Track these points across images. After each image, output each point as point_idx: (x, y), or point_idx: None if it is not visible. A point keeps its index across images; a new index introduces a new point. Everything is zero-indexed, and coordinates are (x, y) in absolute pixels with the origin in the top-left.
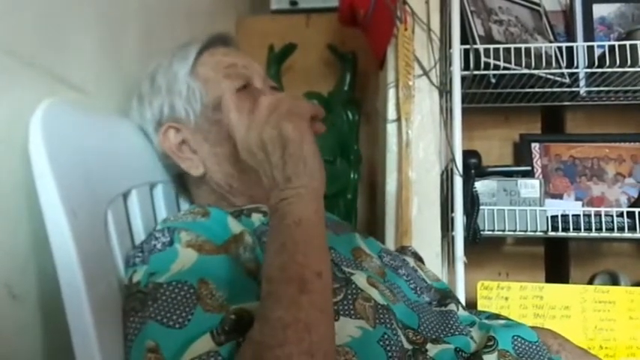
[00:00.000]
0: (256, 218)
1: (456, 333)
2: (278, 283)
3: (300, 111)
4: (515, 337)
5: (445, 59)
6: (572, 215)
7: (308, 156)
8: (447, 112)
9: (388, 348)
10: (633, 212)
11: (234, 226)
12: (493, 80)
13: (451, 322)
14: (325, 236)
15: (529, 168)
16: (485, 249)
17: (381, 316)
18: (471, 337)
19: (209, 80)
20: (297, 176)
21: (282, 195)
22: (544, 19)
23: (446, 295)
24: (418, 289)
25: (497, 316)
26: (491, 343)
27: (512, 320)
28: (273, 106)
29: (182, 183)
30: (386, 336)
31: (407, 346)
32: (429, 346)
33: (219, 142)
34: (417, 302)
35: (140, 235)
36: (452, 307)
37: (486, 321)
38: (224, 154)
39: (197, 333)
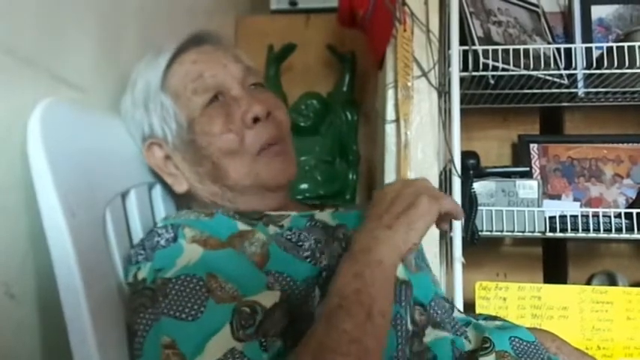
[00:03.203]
0: (272, 230)
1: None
2: (352, 303)
3: (440, 199)
4: (513, 338)
5: (444, 60)
6: (570, 216)
7: (419, 228)
8: (445, 113)
9: (399, 327)
10: (631, 213)
11: (243, 226)
12: (492, 81)
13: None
14: (393, 286)
15: (527, 169)
16: (484, 249)
17: (399, 292)
18: (466, 337)
19: (179, 97)
20: (398, 229)
21: (376, 232)
22: (543, 20)
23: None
24: None
25: (494, 318)
26: (487, 345)
27: (508, 322)
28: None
29: (174, 193)
30: (399, 315)
31: (409, 327)
32: (428, 330)
33: (198, 162)
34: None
35: (138, 235)
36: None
37: (482, 322)
38: (205, 172)
39: (212, 324)
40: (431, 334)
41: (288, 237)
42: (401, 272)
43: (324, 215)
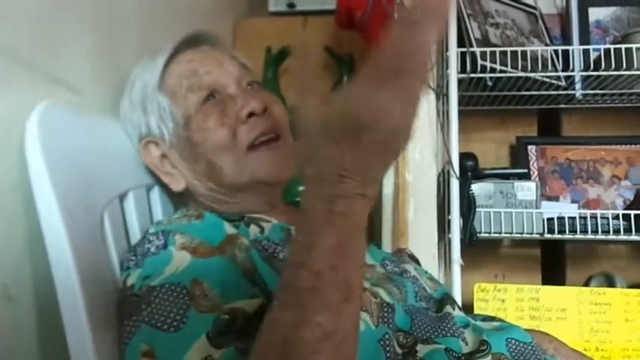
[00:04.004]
0: (253, 231)
1: (448, 335)
2: (327, 284)
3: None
4: (509, 340)
5: (442, 62)
6: (568, 217)
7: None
8: (443, 115)
9: (388, 349)
10: (629, 215)
11: (230, 229)
12: (490, 83)
13: (443, 324)
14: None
15: (525, 170)
16: (482, 251)
17: (385, 315)
18: (463, 339)
19: (175, 95)
20: (375, 172)
21: (353, 189)
22: (540, 22)
23: (443, 301)
24: (419, 296)
25: (492, 319)
26: (484, 347)
27: (506, 322)
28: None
29: (171, 193)
30: (387, 336)
31: (397, 350)
32: (419, 347)
33: (195, 159)
34: (412, 306)
35: (136, 238)
36: (448, 309)
37: (480, 323)
38: (201, 170)
39: (192, 336)
40: (423, 349)
41: (265, 246)
42: (386, 297)
43: None
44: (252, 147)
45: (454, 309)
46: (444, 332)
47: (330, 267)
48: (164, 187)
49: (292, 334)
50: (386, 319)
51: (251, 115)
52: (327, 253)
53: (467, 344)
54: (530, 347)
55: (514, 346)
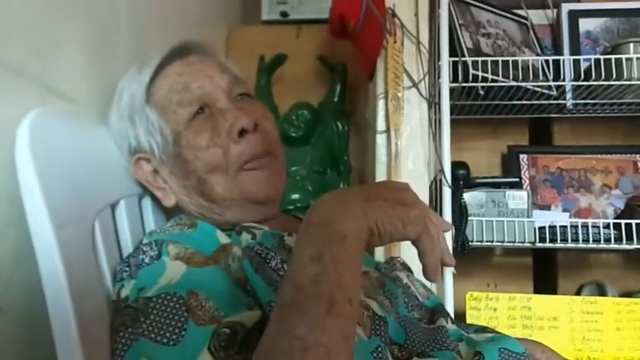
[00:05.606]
0: (245, 238)
1: (442, 348)
2: (306, 296)
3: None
4: (502, 350)
5: (434, 71)
6: (560, 226)
7: (401, 226)
8: (435, 124)
9: None
10: (619, 224)
11: (223, 238)
12: (481, 92)
13: (438, 337)
14: (361, 265)
15: (517, 179)
16: (474, 260)
17: (377, 327)
18: (458, 352)
19: (165, 110)
20: (377, 205)
21: (345, 198)
22: (531, 32)
23: (436, 311)
24: (410, 305)
25: (485, 329)
26: (477, 358)
27: (499, 333)
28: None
29: (162, 205)
30: (379, 348)
31: None
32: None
33: (185, 176)
34: (405, 317)
35: (128, 247)
36: (441, 322)
37: (473, 335)
38: (192, 186)
39: (193, 350)
40: None
41: (258, 251)
42: (378, 309)
43: (292, 240)
44: (242, 167)
45: (447, 322)
46: (438, 346)
47: (309, 280)
48: (155, 200)
49: (273, 345)
50: (378, 332)
51: (242, 132)
52: (304, 263)
53: (461, 358)
54: (522, 357)
55: (507, 357)
